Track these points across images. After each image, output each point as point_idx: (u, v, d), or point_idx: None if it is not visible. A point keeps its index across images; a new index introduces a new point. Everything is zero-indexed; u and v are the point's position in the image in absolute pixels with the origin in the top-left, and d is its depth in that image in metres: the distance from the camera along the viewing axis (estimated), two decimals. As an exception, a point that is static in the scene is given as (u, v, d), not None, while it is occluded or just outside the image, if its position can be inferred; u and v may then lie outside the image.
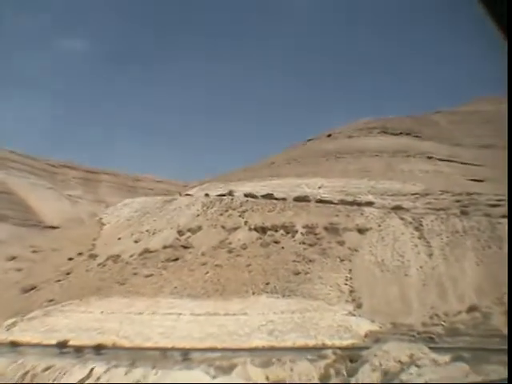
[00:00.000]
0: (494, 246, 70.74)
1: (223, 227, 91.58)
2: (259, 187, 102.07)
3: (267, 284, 73.84)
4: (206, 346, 64.11)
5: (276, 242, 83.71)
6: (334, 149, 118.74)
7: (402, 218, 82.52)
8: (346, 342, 62.09)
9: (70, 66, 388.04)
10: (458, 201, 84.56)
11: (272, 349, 62.09)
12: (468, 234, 76.04)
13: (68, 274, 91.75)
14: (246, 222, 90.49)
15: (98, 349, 60.90)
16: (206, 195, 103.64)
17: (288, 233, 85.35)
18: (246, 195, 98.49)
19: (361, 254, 76.76)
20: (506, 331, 52.92)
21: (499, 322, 56.41)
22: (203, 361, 59.43)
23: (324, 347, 60.63)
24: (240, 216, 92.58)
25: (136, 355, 59.47)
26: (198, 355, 60.73)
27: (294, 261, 77.59)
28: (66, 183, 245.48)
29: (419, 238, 77.64)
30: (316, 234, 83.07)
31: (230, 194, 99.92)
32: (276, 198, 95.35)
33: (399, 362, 48.73)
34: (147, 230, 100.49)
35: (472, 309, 62.19)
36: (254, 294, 72.93)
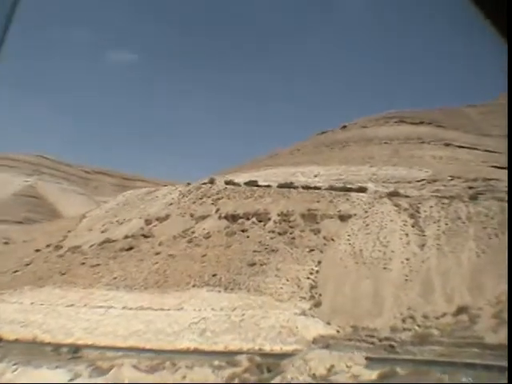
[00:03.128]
0: (502, 235, 53.44)
1: (192, 215, 78.24)
2: (250, 176, 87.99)
3: (214, 276, 59.52)
4: (126, 345, 52.94)
5: (243, 231, 69.46)
6: (343, 138, 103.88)
7: (396, 205, 66.22)
8: (287, 348, 46.91)
9: (120, 78, 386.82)
10: (470, 187, 67.48)
11: (199, 352, 48.37)
12: (472, 220, 59.04)
13: (27, 264, 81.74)
14: (217, 210, 76.79)
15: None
16: (188, 184, 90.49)
17: (260, 221, 70.85)
18: (226, 183, 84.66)
19: (336, 244, 61.16)
20: (489, 339, 36.83)
21: (485, 327, 39.77)
22: (92, 360, 47.15)
23: (257, 352, 45.91)
24: (213, 204, 79.01)
25: (29, 349, 52.01)
26: (92, 353, 50.40)
27: (255, 251, 62.97)
28: (100, 190, 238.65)
29: (412, 226, 61.21)
30: (290, 222, 68.20)
31: (211, 182, 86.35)
32: (259, 186, 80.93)
33: (313, 375, 36.79)
34: (117, 221, 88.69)
35: (460, 310, 45.63)
36: (193, 286, 58.59)
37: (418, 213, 63.59)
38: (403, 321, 46.91)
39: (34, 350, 52.24)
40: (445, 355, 37.32)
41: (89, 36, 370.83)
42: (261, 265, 59.79)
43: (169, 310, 57.04)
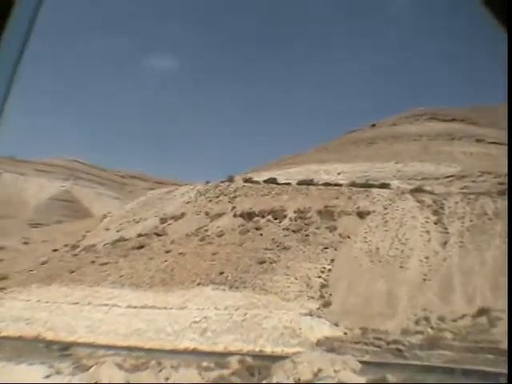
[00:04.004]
0: (532, 231, 48.17)
1: (207, 214, 75.24)
2: (272, 175, 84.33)
3: (220, 274, 56.21)
4: (125, 345, 49.70)
5: (257, 229, 65.96)
6: (371, 136, 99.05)
7: (419, 201, 61.48)
8: (289, 350, 43.18)
9: (161, 85, 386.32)
10: (501, 183, 62.03)
11: (197, 352, 45.33)
12: (500, 216, 53.83)
13: (43, 264, 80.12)
14: (232, 208, 73.53)
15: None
16: (207, 183, 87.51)
17: (276, 218, 67.26)
18: (245, 180, 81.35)
19: (352, 242, 56.98)
20: (506, 344, 32.38)
21: (504, 330, 35.06)
22: (80, 357, 44.57)
23: (257, 354, 42.46)
24: (229, 202, 75.79)
25: (23, 346, 49.96)
26: (84, 351, 47.67)
27: (266, 249, 59.38)
28: (135, 194, 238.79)
29: (435, 223, 56.50)
30: (306, 219, 64.34)
31: (230, 180, 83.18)
32: (278, 183, 77.28)
33: (298, 379, 33.76)
34: (134, 220, 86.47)
35: (481, 312, 40.99)
36: (198, 285, 55.40)
37: (442, 209, 58.85)
38: (416, 323, 42.52)
39: (27, 347, 50.31)
40: (454, 361, 32.92)
41: (129, 43, 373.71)
42: (270, 263, 56.17)
43: (171, 308, 54.10)
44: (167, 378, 36.46)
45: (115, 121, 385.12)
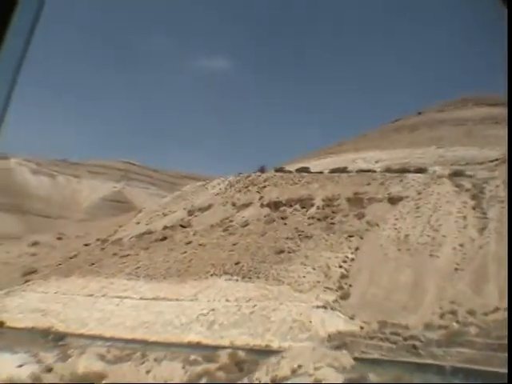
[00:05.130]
0: None
1: (234, 204, 71.52)
2: (307, 164, 79.65)
3: (236, 264, 52.12)
4: (130, 337, 46.40)
5: (283, 218, 61.45)
6: (413, 123, 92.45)
7: (457, 185, 55.37)
8: (296, 345, 38.57)
9: (212, 86, 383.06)
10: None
11: (205, 347, 41.62)
12: (547, 199, 47.10)
13: (71, 258, 78.55)
14: (260, 198, 69.36)
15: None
16: (239, 174, 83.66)
17: (303, 207, 62.72)
18: (276, 170, 77.06)
19: (380, 229, 51.65)
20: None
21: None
22: (70, 348, 41.52)
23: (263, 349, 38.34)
24: (258, 192, 71.65)
25: (23, 336, 48.96)
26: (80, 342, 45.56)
27: (287, 238, 54.94)
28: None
29: (473, 209, 50.45)
30: (333, 207, 59.42)
31: (261, 170, 79.05)
32: (309, 172, 72.55)
33: (275, 376, 30.64)
34: (163, 213, 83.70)
35: (516, 305, 34.66)
36: (211, 276, 51.52)
37: (482, 193, 52.68)
38: (441, 317, 37.09)
39: (28, 337, 48.50)
40: (470, 360, 27.60)
41: (179, 43, 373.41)
42: (289, 252, 51.62)
43: (182, 300, 50.61)
44: (148, 371, 32.73)
45: (165, 122, 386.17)
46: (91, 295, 58.65)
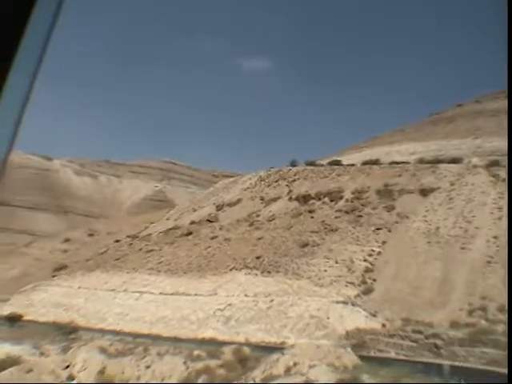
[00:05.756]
0: None
1: (262, 199, 69.26)
2: (343, 158, 76.65)
3: (257, 258, 49.95)
4: (147, 332, 45.51)
5: (310, 212, 58.89)
6: (451, 115, 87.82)
7: (494, 175, 51.63)
8: (313, 343, 36.18)
9: (254, 86, 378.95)
10: None
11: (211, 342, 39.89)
12: None
13: (101, 254, 78.17)
14: (289, 192, 66.93)
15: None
16: (271, 168, 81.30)
17: (332, 200, 59.94)
18: (307, 164, 74.40)
19: (409, 221, 48.53)
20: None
21: None
22: (77, 341, 40.44)
23: (280, 346, 36.22)
24: (287, 186, 69.14)
25: (38, 330, 49.38)
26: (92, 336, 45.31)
27: (313, 231, 52.36)
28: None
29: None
30: (362, 199, 56.57)
31: (292, 164, 76.51)
32: (341, 165, 69.64)
33: (270, 375, 29.23)
34: (192, 208, 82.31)
35: (553, 301, 31.30)
36: (231, 270, 49.52)
37: (521, 183, 48.77)
38: (470, 314, 33.99)
39: (43, 330, 48.08)
40: (496, 362, 24.57)
41: (218, 44, 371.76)
42: (313, 246, 49.11)
43: (200, 295, 48.80)
44: (148, 366, 30.87)
45: (207, 122, 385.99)
46: (112, 290, 57.79)
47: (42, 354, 35.38)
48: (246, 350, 32.92)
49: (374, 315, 37.50)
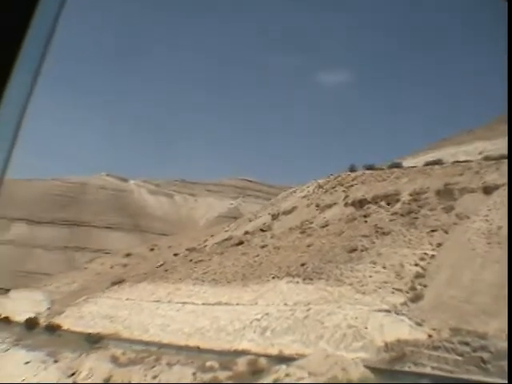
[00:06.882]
0: None
1: (318, 206, 65.52)
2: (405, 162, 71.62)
3: (302, 265, 46.32)
4: (183, 344, 43.22)
5: (365, 216, 54.63)
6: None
7: None
8: (349, 355, 32.32)
9: (335, 100, 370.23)
10: None
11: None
12: None
13: (158, 267, 77.01)
14: (345, 197, 62.83)
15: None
16: (330, 175, 77.40)
17: (389, 203, 55.33)
18: (366, 168, 69.91)
19: (469, 222, 43.30)
20: None
21: None
22: (97, 350, 38.51)
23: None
24: (344, 191, 65.03)
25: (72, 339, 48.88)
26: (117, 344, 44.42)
27: (364, 236, 48.13)
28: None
29: None
30: (420, 201, 51.61)
31: (351, 169, 72.30)
32: (402, 167, 64.81)
33: None
34: (248, 219, 79.82)
35: None
36: (273, 278, 46.21)
37: None
38: (529, 321, 28.53)
39: (70, 339, 47.21)
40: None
41: (295, 60, 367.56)
42: (361, 250, 44.95)
43: (242, 305, 45.79)
44: (155, 376, 28.12)
45: (286, 138, 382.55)
46: (157, 301, 56.11)
47: (55, 361, 33.46)
48: (263, 361, 29.29)
49: (420, 324, 32.85)
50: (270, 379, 23.99)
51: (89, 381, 29.08)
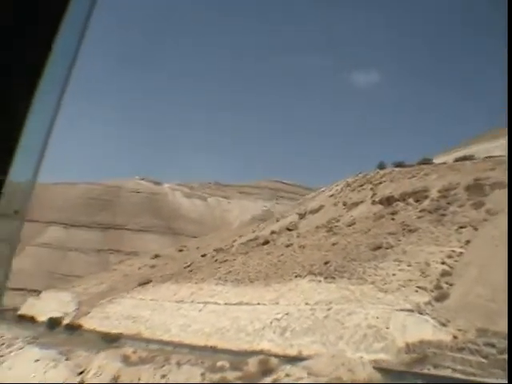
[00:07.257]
0: None
1: (345, 204, 63.91)
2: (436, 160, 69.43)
3: (325, 264, 44.79)
4: (202, 344, 43.03)
5: (393, 214, 52.81)
6: None
7: None
8: (369, 357, 30.87)
9: (367, 101, 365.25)
10: None
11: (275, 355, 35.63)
12: None
13: (185, 268, 76.30)
14: (373, 195, 61.16)
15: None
16: (359, 173, 75.65)
17: (417, 200, 53.46)
18: (395, 165, 68.01)
19: (500, 218, 41.11)
20: None
21: None
22: (111, 349, 38.05)
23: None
24: (372, 189, 63.32)
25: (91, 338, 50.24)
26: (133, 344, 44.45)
27: (390, 233, 46.42)
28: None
29: None
30: (449, 197, 49.58)
31: (380, 167, 70.43)
32: (431, 164, 62.75)
33: None
34: (276, 219, 78.58)
35: None
36: (296, 277, 44.86)
37: None
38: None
39: (89, 339, 47.80)
40: None
41: (325, 60, 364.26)
42: (386, 248, 43.19)
43: (262, 304, 44.46)
44: (164, 375, 27.15)
45: (320, 139, 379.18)
46: (180, 301, 55.34)
47: (67, 359, 32.98)
48: (274, 361, 28.00)
49: (445, 325, 31.03)
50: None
51: (97, 379, 28.45)
